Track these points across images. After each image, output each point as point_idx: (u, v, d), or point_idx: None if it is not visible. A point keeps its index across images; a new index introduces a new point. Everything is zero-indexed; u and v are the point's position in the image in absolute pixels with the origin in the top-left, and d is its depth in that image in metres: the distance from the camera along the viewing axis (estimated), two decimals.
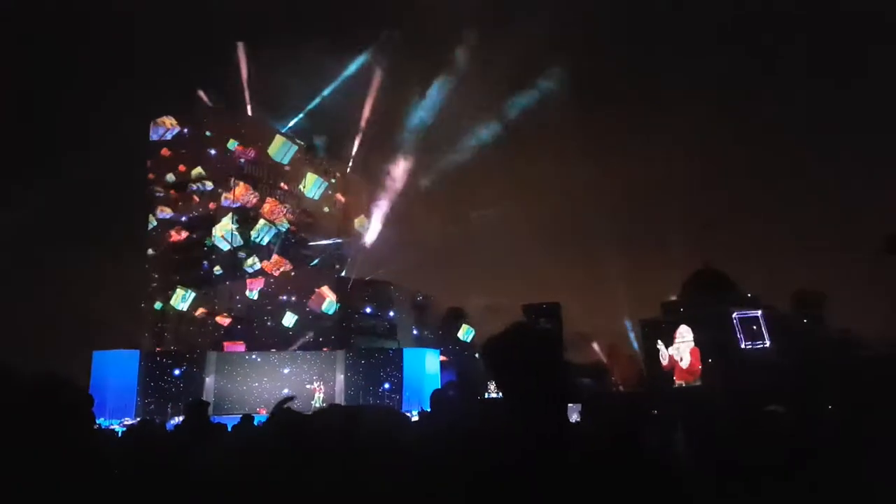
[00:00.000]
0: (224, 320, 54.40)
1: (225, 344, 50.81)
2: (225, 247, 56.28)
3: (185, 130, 61.28)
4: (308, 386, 45.12)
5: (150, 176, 60.57)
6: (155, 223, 59.28)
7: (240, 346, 50.57)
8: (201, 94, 62.61)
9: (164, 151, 60.51)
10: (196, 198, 59.78)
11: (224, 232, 55.77)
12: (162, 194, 60.23)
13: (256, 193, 59.17)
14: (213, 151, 60.18)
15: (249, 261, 56.55)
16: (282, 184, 63.35)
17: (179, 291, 54.18)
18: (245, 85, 63.55)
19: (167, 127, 58.81)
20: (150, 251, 60.06)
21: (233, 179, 58.86)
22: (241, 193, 58.14)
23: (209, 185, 59.09)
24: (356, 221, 63.73)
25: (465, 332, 62.23)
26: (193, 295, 54.46)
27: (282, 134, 62.04)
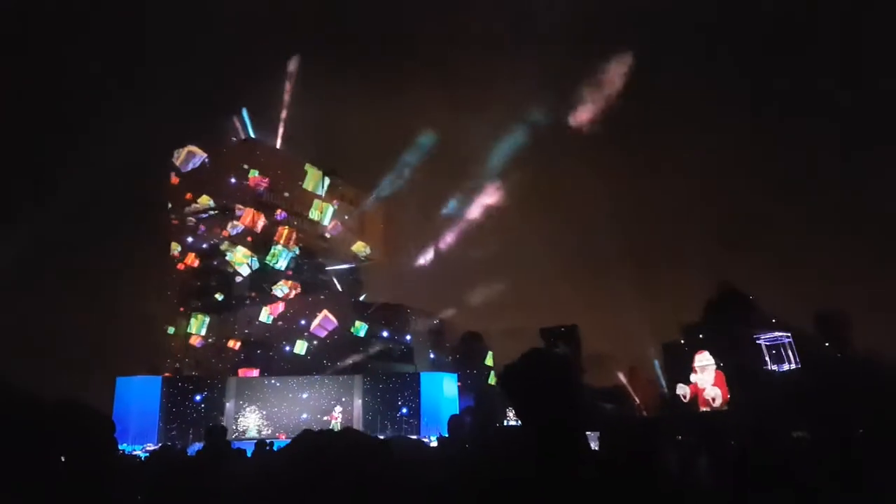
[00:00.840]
0: (235, 344, 54.76)
1: (239, 370, 51.04)
2: (246, 272, 56.78)
3: (206, 159, 62.35)
4: (324, 417, 44.77)
5: (177, 202, 61.61)
6: (179, 248, 60.08)
7: (253, 372, 50.75)
8: (235, 122, 63.93)
9: (174, 180, 61.68)
10: (204, 225, 60.74)
11: (245, 257, 56.32)
12: (193, 222, 61.21)
13: (263, 217, 59.75)
14: (233, 180, 61.15)
15: (277, 285, 57.00)
16: (299, 210, 64.14)
17: (200, 317, 54.68)
18: (278, 115, 64.96)
19: (199, 155, 59.75)
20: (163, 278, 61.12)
21: (237, 206, 59.68)
22: (251, 220, 58.78)
23: (211, 213, 60.05)
24: (356, 247, 63.97)
25: (491, 360, 61.42)
26: (208, 319, 54.95)
27: (314, 167, 63.22)
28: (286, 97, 65.83)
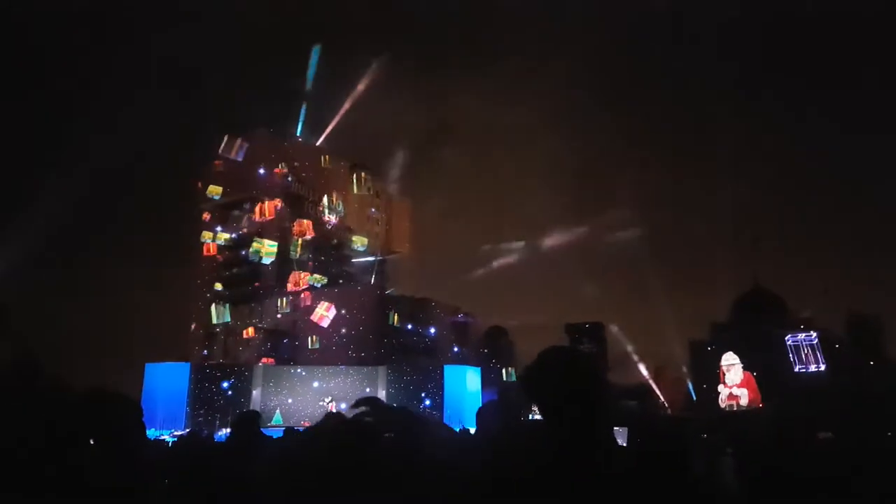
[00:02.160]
0: (247, 333, 55.48)
1: (263, 359, 51.65)
2: (269, 262, 57.47)
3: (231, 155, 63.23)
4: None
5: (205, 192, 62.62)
6: (210, 239, 60.97)
7: (269, 362, 51.29)
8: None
9: (218, 163, 62.70)
10: (224, 216, 61.78)
11: (272, 247, 56.93)
12: (212, 213, 62.25)
13: (282, 208, 60.33)
14: (262, 171, 61.89)
15: (314, 277, 57.64)
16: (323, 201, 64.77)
17: (220, 307, 55.63)
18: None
19: (243, 144, 60.56)
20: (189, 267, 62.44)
21: (250, 201, 60.46)
22: (269, 211, 59.37)
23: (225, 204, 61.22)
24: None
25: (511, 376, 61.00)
26: (226, 309, 55.87)
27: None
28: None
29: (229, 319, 55.93)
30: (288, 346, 55.06)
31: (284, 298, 55.79)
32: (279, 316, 56.79)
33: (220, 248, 61.42)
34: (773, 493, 4.70)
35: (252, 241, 57.90)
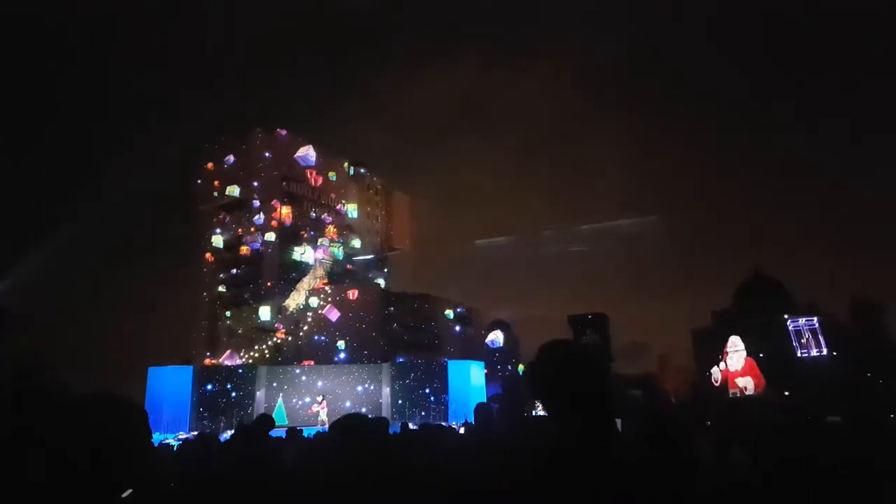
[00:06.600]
0: (280, 335, 55.68)
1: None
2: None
3: (232, 157, 63.20)
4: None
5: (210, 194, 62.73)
6: (221, 243, 61.09)
7: (308, 363, 51.21)
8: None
9: (210, 166, 62.93)
10: (235, 217, 61.93)
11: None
12: (222, 215, 62.45)
13: (291, 209, 60.61)
14: (261, 173, 61.86)
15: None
16: (326, 202, 64.87)
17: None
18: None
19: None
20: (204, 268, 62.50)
21: (254, 203, 60.57)
22: (282, 212, 59.62)
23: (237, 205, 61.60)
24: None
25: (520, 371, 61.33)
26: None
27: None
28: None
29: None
30: (293, 344, 55.24)
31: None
32: (280, 316, 57.03)
33: (222, 249, 61.45)
34: (782, 478, 4.70)
35: (244, 241, 58.69)
